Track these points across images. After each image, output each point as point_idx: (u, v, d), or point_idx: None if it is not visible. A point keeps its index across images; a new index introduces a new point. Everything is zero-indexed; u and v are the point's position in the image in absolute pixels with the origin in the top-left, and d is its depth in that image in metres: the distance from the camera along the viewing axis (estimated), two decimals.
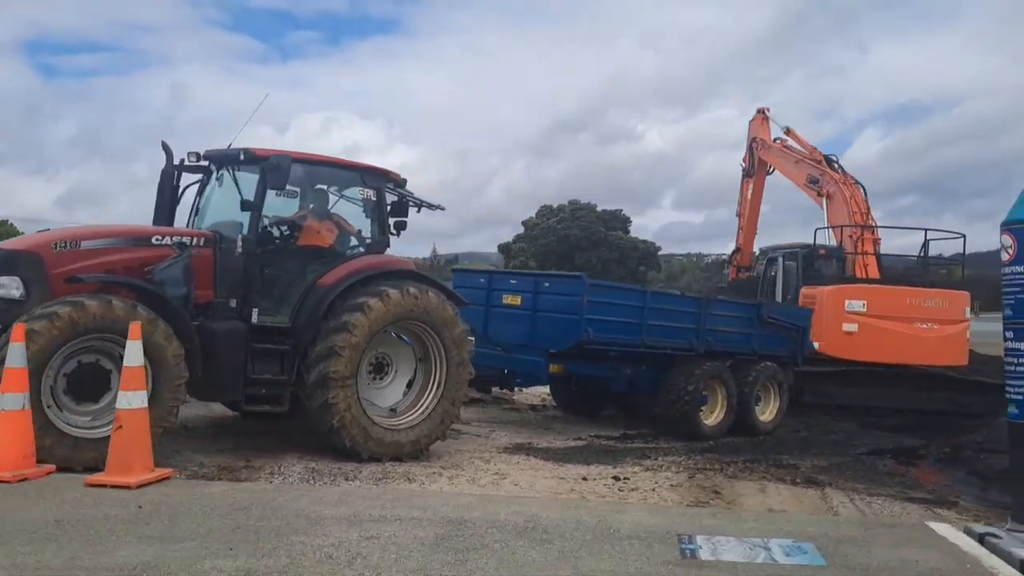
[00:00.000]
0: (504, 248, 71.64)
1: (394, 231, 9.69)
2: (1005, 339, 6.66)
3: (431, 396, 9.29)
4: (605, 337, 11.33)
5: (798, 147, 19.36)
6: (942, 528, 6.73)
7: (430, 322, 9.13)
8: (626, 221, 66.41)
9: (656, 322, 11.82)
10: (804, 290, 16.54)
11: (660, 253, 68.84)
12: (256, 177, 8.66)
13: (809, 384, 17.11)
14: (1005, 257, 6.54)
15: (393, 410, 9.20)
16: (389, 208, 9.59)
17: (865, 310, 15.83)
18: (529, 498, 7.64)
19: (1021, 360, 6.50)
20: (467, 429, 11.79)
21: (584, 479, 9.10)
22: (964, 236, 17.72)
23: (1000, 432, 11.79)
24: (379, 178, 9.52)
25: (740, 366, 13.14)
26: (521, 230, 68.18)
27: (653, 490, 8.88)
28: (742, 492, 9.16)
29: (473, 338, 10.06)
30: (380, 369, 9.27)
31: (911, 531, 6.75)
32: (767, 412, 13.54)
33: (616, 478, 9.24)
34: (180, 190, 9.48)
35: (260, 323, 8.38)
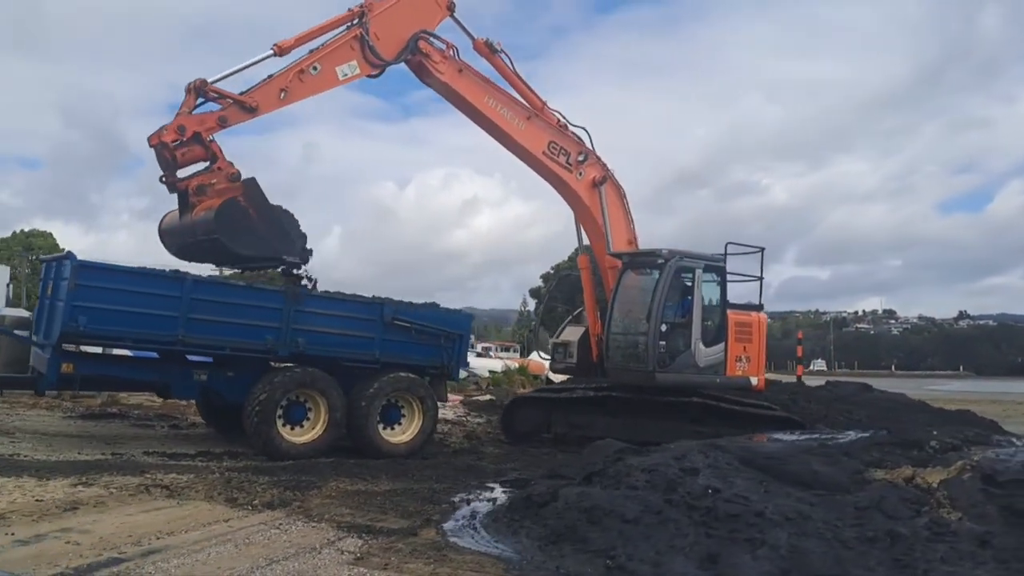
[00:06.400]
0: (535, 292, 70.90)
1: None
2: None
3: None
4: (112, 330, 9.54)
5: (515, 94, 13.61)
6: None
7: None
8: None
9: (205, 316, 9.95)
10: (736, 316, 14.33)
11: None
12: None
13: (558, 413, 14.85)
14: None
15: None
16: None
17: None
18: None
19: None
20: None
21: None
22: (763, 249, 15.07)
23: (591, 455, 9.43)
24: None
25: (357, 375, 11.11)
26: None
27: None
28: (100, 501, 7.56)
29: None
30: None
31: None
32: (405, 432, 11.38)
33: None
34: None
35: None
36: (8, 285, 21.35)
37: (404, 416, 11.42)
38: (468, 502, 8.89)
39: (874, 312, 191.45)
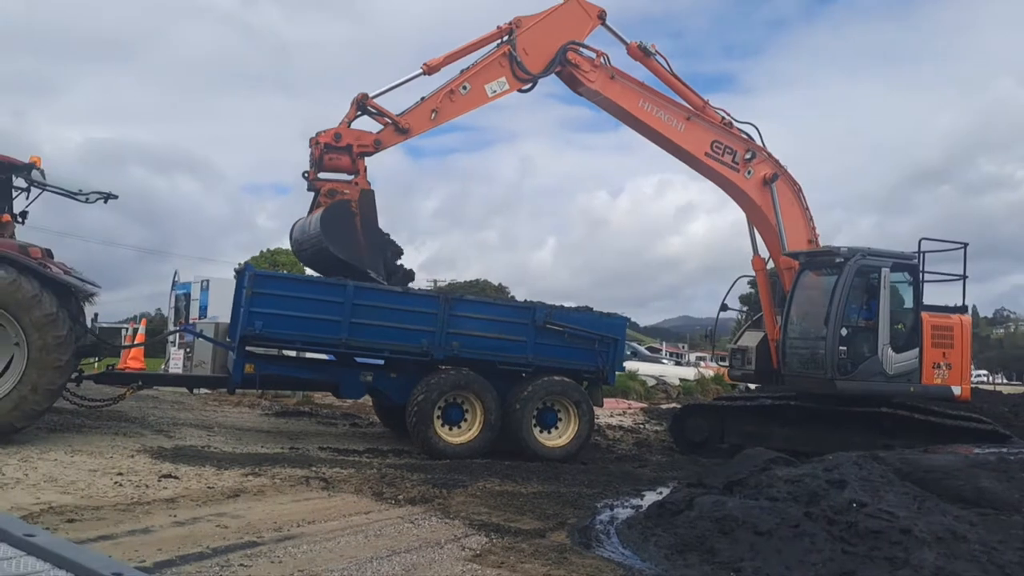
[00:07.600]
0: (745, 299, 68.59)
1: (19, 219, 9.85)
2: None
3: (10, 382, 9.16)
4: (284, 333, 10.32)
5: (678, 99, 13.27)
6: None
7: (1, 304, 9.05)
8: None
9: (367, 320, 10.52)
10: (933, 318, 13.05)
11: None
12: None
13: (731, 421, 14.18)
14: None
15: None
16: None
17: None
18: None
19: None
20: (181, 433, 11.41)
21: (120, 473, 8.46)
22: (966, 245, 13.63)
23: (739, 464, 8.91)
24: None
25: (513, 379, 11.27)
26: None
27: (165, 488, 8.07)
28: (261, 490, 8.19)
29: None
30: None
31: None
32: (561, 436, 11.39)
33: (168, 475, 8.52)
34: None
35: None
36: None
37: (560, 420, 11.46)
38: (611, 508, 8.77)
39: None
